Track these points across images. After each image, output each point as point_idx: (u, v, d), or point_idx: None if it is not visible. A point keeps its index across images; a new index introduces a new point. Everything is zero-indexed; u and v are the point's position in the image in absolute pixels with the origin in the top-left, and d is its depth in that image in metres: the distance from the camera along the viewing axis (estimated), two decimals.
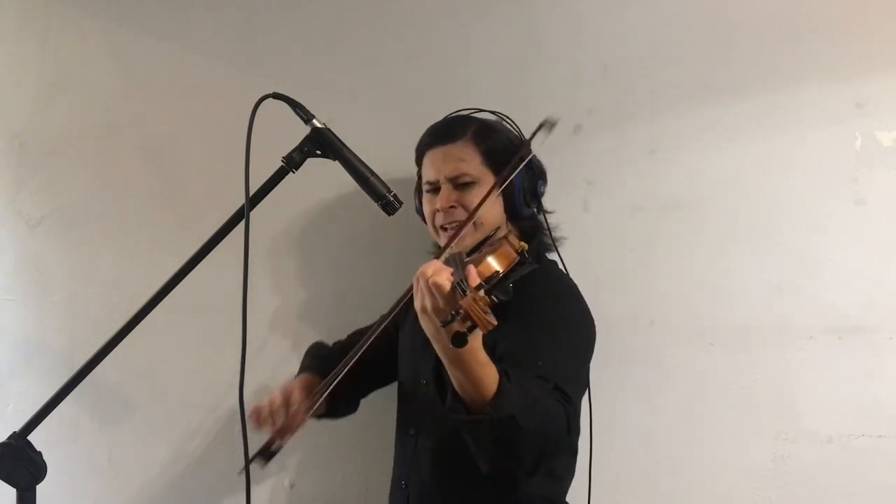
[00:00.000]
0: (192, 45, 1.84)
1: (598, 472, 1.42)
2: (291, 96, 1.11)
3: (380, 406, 1.56)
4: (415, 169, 1.47)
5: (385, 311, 1.52)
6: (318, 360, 1.48)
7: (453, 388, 1.05)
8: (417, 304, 1.01)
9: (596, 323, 1.33)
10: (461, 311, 0.89)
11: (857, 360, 1.50)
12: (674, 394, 1.57)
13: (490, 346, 1.05)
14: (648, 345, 1.58)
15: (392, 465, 1.44)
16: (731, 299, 1.55)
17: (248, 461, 1.07)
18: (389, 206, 1.11)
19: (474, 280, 0.96)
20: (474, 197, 1.31)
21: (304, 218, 1.77)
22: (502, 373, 1.04)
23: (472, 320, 0.89)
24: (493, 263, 1.11)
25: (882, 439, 1.48)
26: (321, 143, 1.11)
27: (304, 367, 1.49)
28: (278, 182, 1.11)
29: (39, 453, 1.10)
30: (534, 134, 1.23)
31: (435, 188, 1.36)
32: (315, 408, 1.30)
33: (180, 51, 1.85)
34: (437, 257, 1.23)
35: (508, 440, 1.02)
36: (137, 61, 1.88)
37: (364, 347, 1.24)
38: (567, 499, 1.35)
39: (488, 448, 1.05)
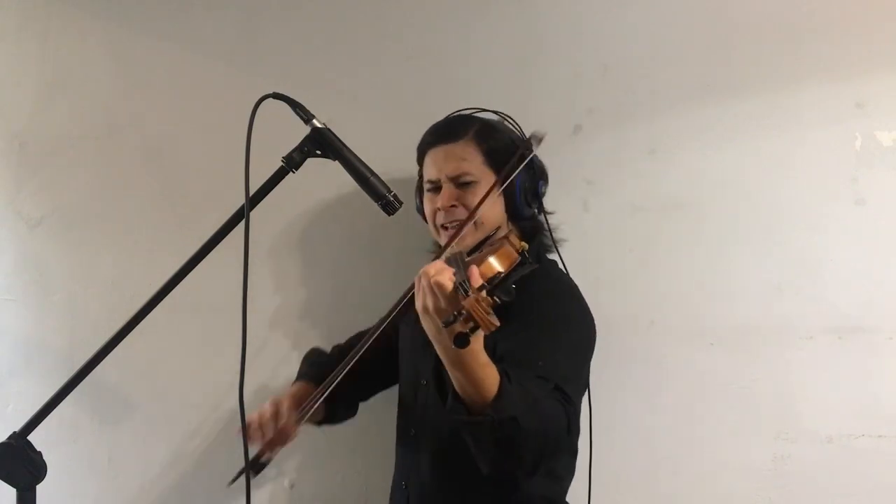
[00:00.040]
0: (192, 45, 1.84)
1: (598, 472, 1.42)
2: (291, 96, 1.11)
3: (380, 407, 1.57)
4: (415, 169, 1.47)
5: (385, 311, 1.53)
6: (315, 366, 1.48)
7: (454, 390, 1.04)
8: (419, 305, 1.00)
9: (596, 323, 1.33)
10: (463, 311, 0.89)
11: (857, 360, 1.50)
12: (674, 394, 1.57)
13: (490, 346, 1.05)
14: (648, 345, 1.58)
15: (392, 465, 1.44)
16: (731, 299, 1.55)
17: (247, 462, 1.07)
18: (389, 206, 1.11)
19: (477, 280, 0.95)
20: (475, 196, 1.31)
21: (304, 218, 1.77)
22: (503, 374, 1.03)
23: (475, 321, 0.88)
24: (495, 264, 1.10)
25: (882, 439, 1.48)
26: (321, 143, 1.11)
27: (300, 374, 1.50)
28: (278, 182, 1.11)
29: (39, 453, 1.10)
30: (527, 144, 1.24)
31: (436, 187, 1.36)
32: (307, 417, 1.31)
33: (180, 51, 1.85)
34: (438, 256, 1.23)
35: (509, 441, 1.02)
36: (137, 61, 1.87)
37: (361, 353, 1.24)
38: (567, 499, 1.35)
39: (489, 449, 1.05)
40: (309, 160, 1.12)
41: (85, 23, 1.90)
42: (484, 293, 0.90)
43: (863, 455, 1.49)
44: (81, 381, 1.10)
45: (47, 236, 1.90)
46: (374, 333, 1.23)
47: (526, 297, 1.13)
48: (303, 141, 1.11)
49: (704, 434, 1.56)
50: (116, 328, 1.11)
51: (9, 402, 1.88)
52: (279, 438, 1.28)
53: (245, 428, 1.06)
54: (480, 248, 1.31)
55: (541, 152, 1.41)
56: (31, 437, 1.09)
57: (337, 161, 1.12)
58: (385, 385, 1.53)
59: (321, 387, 1.31)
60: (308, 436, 1.67)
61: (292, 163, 1.11)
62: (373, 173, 1.12)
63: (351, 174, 1.12)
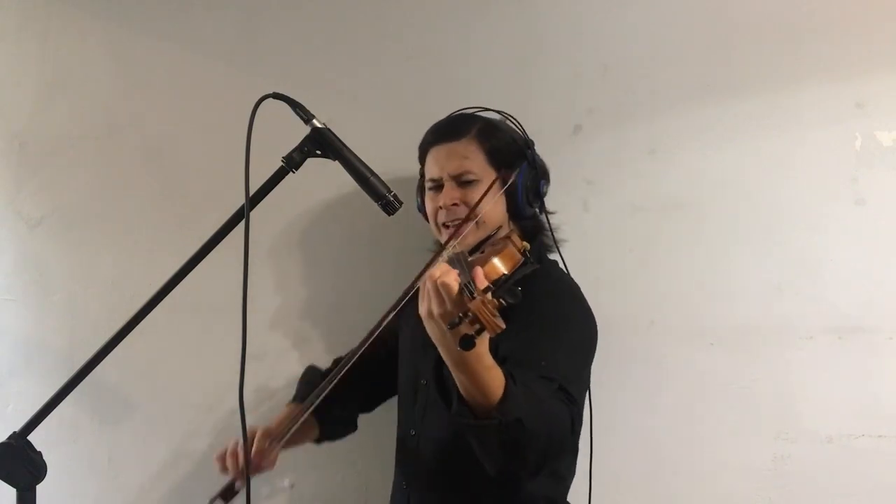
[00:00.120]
0: (192, 45, 1.84)
1: (598, 472, 1.42)
2: (291, 96, 1.11)
3: (380, 407, 1.57)
4: (415, 169, 1.47)
5: (384, 313, 1.53)
6: (307, 385, 1.48)
7: (459, 393, 1.03)
8: (423, 309, 0.99)
9: (596, 323, 1.33)
10: (469, 313, 0.88)
11: (857, 360, 1.50)
12: (674, 394, 1.57)
13: (492, 347, 1.04)
14: (648, 345, 1.58)
15: (392, 465, 1.44)
16: (731, 299, 1.55)
17: (247, 461, 1.07)
18: (389, 206, 1.11)
19: (482, 282, 0.95)
20: (477, 195, 1.31)
21: (304, 218, 1.77)
22: (508, 376, 1.03)
23: (481, 323, 0.87)
24: (499, 265, 1.10)
25: (882, 439, 1.48)
26: (321, 143, 1.11)
27: (295, 395, 1.50)
28: (278, 182, 1.11)
29: (39, 453, 1.10)
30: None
31: (438, 185, 1.36)
32: (286, 440, 1.33)
33: (180, 51, 1.85)
34: (438, 254, 1.23)
35: (514, 443, 1.01)
36: (137, 61, 1.88)
37: (346, 368, 1.23)
38: (568, 498, 1.35)
39: (495, 451, 1.04)
40: (309, 160, 1.12)
41: (85, 23, 1.90)
42: (489, 295, 0.89)
43: (863, 455, 1.49)
44: (81, 381, 1.10)
45: (47, 236, 1.90)
46: (364, 344, 1.22)
47: (527, 297, 1.12)
48: (303, 141, 1.11)
49: (704, 434, 1.56)
50: (116, 328, 1.11)
51: (9, 402, 1.88)
52: (253, 467, 1.30)
53: (245, 428, 1.05)
54: (482, 248, 1.31)
55: (541, 152, 1.41)
56: (31, 437, 1.09)
57: (337, 161, 1.12)
58: (392, 393, 1.51)
59: (303, 406, 1.33)
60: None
61: (292, 163, 1.11)
62: (373, 173, 1.12)
63: (351, 174, 1.12)
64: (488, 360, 1.00)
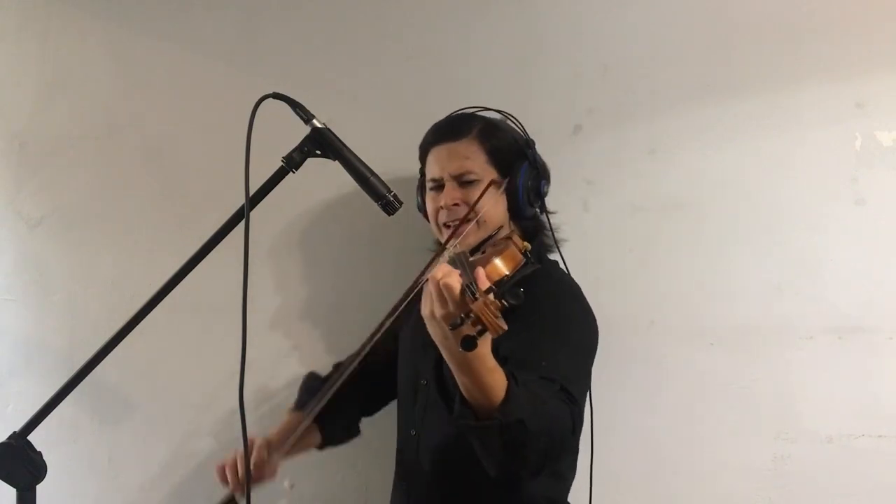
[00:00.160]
0: (192, 45, 1.84)
1: (599, 472, 1.42)
2: (291, 96, 1.11)
3: None
4: (415, 169, 1.47)
5: (384, 313, 1.53)
6: (308, 393, 1.48)
7: (461, 394, 1.03)
8: (426, 310, 0.98)
9: (597, 323, 1.33)
10: (471, 314, 0.87)
11: (857, 360, 1.50)
12: (674, 394, 1.57)
13: (493, 347, 1.04)
14: (648, 345, 1.58)
15: (392, 465, 1.44)
16: (731, 299, 1.55)
17: (247, 461, 1.07)
18: (389, 206, 1.11)
19: (484, 283, 0.94)
20: (478, 194, 1.31)
21: (304, 218, 1.77)
22: (510, 377, 1.02)
23: (483, 324, 0.87)
24: (501, 266, 1.09)
25: (882, 439, 1.48)
26: (321, 143, 1.11)
27: (296, 402, 1.50)
28: (278, 182, 1.11)
29: (39, 453, 1.10)
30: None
31: (439, 185, 1.36)
32: (286, 449, 1.35)
33: (180, 51, 1.85)
34: (438, 254, 1.23)
35: (516, 444, 1.01)
36: (137, 61, 1.88)
37: (346, 376, 1.23)
38: (568, 498, 1.35)
39: (497, 452, 1.04)
40: (309, 160, 1.12)
41: (85, 23, 1.90)
42: (491, 296, 0.89)
43: (863, 455, 1.49)
44: (81, 381, 1.10)
45: (47, 236, 1.90)
46: (365, 349, 1.22)
47: (528, 297, 1.12)
48: (303, 141, 1.11)
49: (704, 434, 1.56)
50: (116, 328, 1.11)
51: (9, 402, 1.88)
52: (254, 477, 1.31)
53: (245, 428, 1.05)
54: (483, 248, 1.31)
55: (541, 152, 1.41)
56: (31, 437, 1.09)
57: (337, 161, 1.12)
58: (394, 395, 1.51)
59: (304, 413, 1.33)
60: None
61: (292, 163, 1.11)
62: (373, 173, 1.11)
63: (351, 174, 1.12)
64: (491, 361, 0.99)
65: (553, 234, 1.43)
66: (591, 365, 1.31)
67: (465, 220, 1.30)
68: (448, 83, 1.69)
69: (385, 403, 1.56)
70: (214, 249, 1.12)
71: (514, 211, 1.36)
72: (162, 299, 1.11)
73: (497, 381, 1.00)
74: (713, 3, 1.59)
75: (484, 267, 1.01)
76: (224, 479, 1.32)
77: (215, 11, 1.83)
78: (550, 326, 1.22)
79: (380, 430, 1.55)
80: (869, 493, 1.48)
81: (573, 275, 1.40)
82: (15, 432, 1.09)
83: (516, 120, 1.42)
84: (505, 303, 0.89)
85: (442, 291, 0.93)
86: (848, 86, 1.52)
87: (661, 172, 1.60)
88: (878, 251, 1.50)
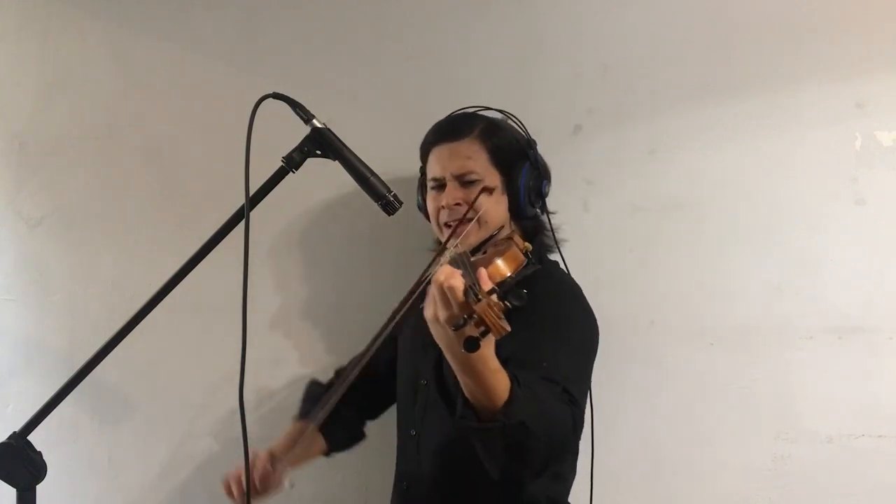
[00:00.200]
0: (192, 45, 1.84)
1: (599, 472, 1.42)
2: (291, 96, 1.11)
3: None
4: (415, 169, 1.47)
5: (385, 314, 1.53)
6: (311, 402, 1.48)
7: (463, 395, 1.03)
8: (429, 313, 0.97)
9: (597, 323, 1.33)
10: (474, 315, 0.87)
11: (857, 360, 1.50)
12: (674, 394, 1.57)
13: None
14: (648, 345, 1.58)
15: (392, 465, 1.44)
16: (731, 299, 1.55)
17: (247, 461, 1.07)
18: (389, 206, 1.11)
19: (487, 284, 0.93)
20: (482, 191, 1.31)
21: (304, 218, 1.77)
22: (513, 379, 1.02)
23: (486, 325, 0.86)
24: (503, 266, 1.09)
25: (882, 439, 1.48)
26: (321, 143, 1.11)
27: (299, 412, 1.50)
28: (278, 182, 1.11)
29: (39, 453, 1.10)
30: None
31: (440, 185, 1.36)
32: (291, 460, 1.36)
33: (180, 51, 1.85)
34: (439, 254, 1.22)
35: (519, 445, 1.01)
36: (137, 61, 1.88)
37: (349, 382, 1.22)
38: (568, 499, 1.35)
39: (499, 454, 1.04)
40: (309, 160, 1.12)
41: (85, 23, 1.90)
42: (495, 297, 0.89)
43: (863, 455, 1.49)
44: (81, 381, 1.10)
45: (47, 236, 1.90)
46: (367, 355, 1.21)
47: (529, 297, 1.13)
48: (303, 141, 1.11)
49: (704, 434, 1.56)
50: (116, 328, 1.11)
51: (9, 402, 1.88)
52: (260, 490, 1.32)
53: (245, 428, 1.05)
54: (484, 248, 1.30)
55: (541, 152, 1.41)
56: (31, 437, 1.09)
57: (337, 161, 1.12)
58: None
59: (307, 422, 1.34)
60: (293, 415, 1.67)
61: (292, 163, 1.11)
62: (373, 173, 1.12)
63: (351, 174, 1.12)
64: (494, 363, 0.99)
65: (554, 234, 1.43)
66: (592, 366, 1.31)
67: (465, 219, 1.30)
68: (448, 83, 1.69)
69: (388, 406, 1.55)
70: (214, 249, 1.12)
71: (515, 211, 1.36)
72: (162, 299, 1.11)
73: (500, 382, 1.00)
74: (713, 3, 1.59)
75: (486, 267, 1.00)
76: (230, 493, 1.32)
77: (215, 11, 1.83)
78: (551, 327, 1.22)
79: (380, 430, 1.55)
80: (869, 493, 1.48)
81: (573, 275, 1.40)
82: (15, 432, 1.09)
83: (518, 120, 1.42)
84: (508, 304, 0.89)
85: (445, 294, 0.93)
86: (848, 86, 1.52)
87: (661, 172, 1.60)
88: (878, 251, 1.50)
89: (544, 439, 1.03)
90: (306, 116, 1.11)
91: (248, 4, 1.82)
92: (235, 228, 1.11)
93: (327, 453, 1.49)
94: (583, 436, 1.31)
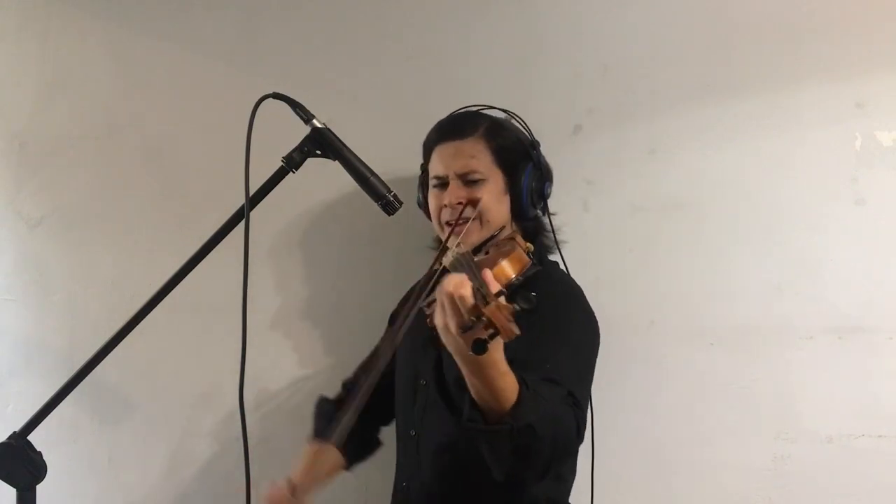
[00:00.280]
0: (192, 45, 1.84)
1: (599, 472, 1.42)
2: (291, 96, 1.11)
3: None
4: (415, 169, 1.47)
5: (383, 315, 1.53)
6: (323, 419, 1.48)
7: (470, 397, 1.02)
8: (439, 321, 0.96)
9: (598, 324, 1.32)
10: (484, 318, 0.86)
11: (857, 360, 1.50)
12: (674, 394, 1.57)
13: None
14: (648, 345, 1.58)
15: (392, 466, 1.44)
16: (731, 299, 1.55)
17: (247, 461, 1.07)
18: (389, 206, 1.11)
19: (495, 286, 0.93)
20: (482, 194, 1.31)
21: (304, 218, 1.77)
22: (521, 381, 1.01)
23: (496, 328, 0.86)
24: (508, 268, 1.08)
25: (882, 439, 1.48)
26: (321, 143, 1.11)
27: (314, 431, 1.50)
28: (278, 182, 1.11)
29: (39, 453, 1.10)
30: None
31: (443, 183, 1.35)
32: (314, 489, 1.38)
33: (180, 51, 1.85)
34: (441, 254, 1.22)
35: (526, 448, 1.00)
36: (137, 61, 1.88)
37: (361, 401, 1.21)
38: (569, 499, 1.35)
39: (506, 457, 1.03)
40: (309, 160, 1.12)
41: (85, 23, 1.90)
42: (503, 300, 0.88)
43: (863, 455, 1.49)
44: (81, 381, 1.10)
45: (47, 236, 1.90)
46: (375, 372, 1.20)
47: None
48: (303, 141, 1.11)
49: (704, 434, 1.56)
50: (116, 328, 1.11)
51: (9, 402, 1.88)
52: None
53: (245, 428, 1.05)
54: (485, 248, 1.30)
55: (541, 152, 1.41)
56: (31, 437, 1.09)
57: (337, 161, 1.12)
58: None
59: (328, 445, 1.36)
60: (307, 436, 1.67)
61: (292, 163, 1.11)
62: (373, 173, 1.12)
63: (351, 174, 1.12)
64: (503, 365, 0.98)
65: (554, 234, 1.42)
66: (594, 367, 1.30)
67: (464, 219, 1.30)
68: (448, 83, 1.69)
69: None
70: (214, 249, 1.12)
71: (517, 212, 1.36)
72: (162, 299, 1.12)
73: (508, 384, 0.99)
74: (713, 3, 1.59)
75: (491, 268, 0.99)
76: None
77: (215, 11, 1.83)
78: (552, 328, 1.21)
79: (380, 430, 1.54)
80: (869, 493, 1.48)
81: (573, 275, 1.40)
82: (15, 432, 1.09)
83: (521, 120, 1.42)
84: (517, 307, 0.88)
85: (455, 303, 0.91)
86: (848, 86, 1.52)
87: (661, 172, 1.60)
88: (878, 251, 1.50)
89: (549, 442, 1.03)
90: (306, 116, 1.11)
91: (248, 4, 1.82)
92: (235, 228, 1.11)
93: (347, 467, 1.49)
94: None
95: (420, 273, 1.53)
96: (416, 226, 1.52)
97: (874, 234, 1.50)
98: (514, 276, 1.06)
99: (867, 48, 1.51)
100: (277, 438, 1.73)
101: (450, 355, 0.99)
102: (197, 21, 1.84)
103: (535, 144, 1.38)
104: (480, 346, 0.87)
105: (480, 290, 0.89)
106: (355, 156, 1.12)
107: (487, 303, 0.87)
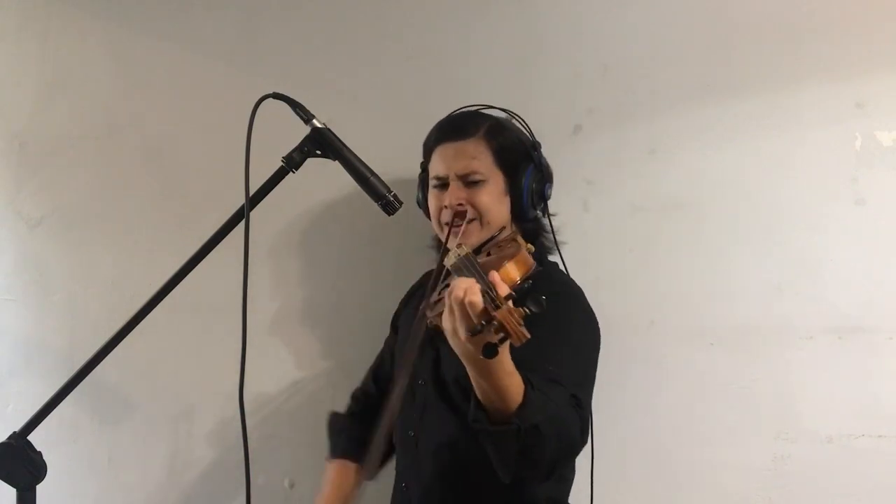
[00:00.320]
0: (192, 45, 1.84)
1: (599, 472, 1.42)
2: (291, 96, 1.11)
3: None
4: (415, 169, 1.47)
5: (383, 315, 1.53)
6: (340, 435, 1.51)
7: (476, 398, 1.02)
8: (448, 326, 0.95)
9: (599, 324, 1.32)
10: (494, 321, 0.85)
11: (857, 360, 1.50)
12: (674, 394, 1.57)
13: None
14: (648, 345, 1.58)
15: (392, 466, 1.44)
16: (731, 299, 1.55)
17: (247, 461, 1.07)
18: (389, 206, 1.11)
19: (504, 290, 0.92)
20: (483, 195, 1.31)
21: (304, 218, 1.77)
22: (527, 382, 1.01)
23: (507, 332, 0.85)
24: (514, 271, 1.08)
25: (882, 439, 1.48)
26: (321, 143, 1.11)
27: (336, 449, 1.51)
28: (278, 182, 1.11)
29: (39, 453, 1.10)
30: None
31: (443, 184, 1.35)
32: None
33: (180, 51, 1.85)
34: (443, 255, 1.21)
35: (532, 449, 1.00)
36: (137, 61, 1.88)
37: (387, 422, 1.19)
38: (569, 499, 1.35)
39: (512, 457, 1.02)
40: (309, 160, 1.12)
41: (85, 23, 1.90)
42: (510, 303, 0.87)
43: (863, 455, 1.49)
44: (81, 381, 1.10)
45: (47, 236, 1.90)
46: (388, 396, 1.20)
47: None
48: (303, 141, 1.11)
49: (704, 434, 1.56)
50: (116, 328, 1.11)
51: (9, 402, 1.88)
52: None
53: (245, 428, 1.05)
54: (486, 249, 1.30)
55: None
56: (31, 437, 1.10)
57: (337, 161, 1.12)
58: None
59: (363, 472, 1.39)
60: (308, 436, 1.68)
61: (292, 163, 1.11)
62: (373, 173, 1.12)
63: (351, 174, 1.12)
64: (510, 365, 0.98)
65: (554, 235, 1.42)
66: (596, 368, 1.30)
67: (462, 218, 1.29)
68: (448, 83, 1.69)
69: None
70: (214, 249, 1.12)
71: (517, 213, 1.36)
72: (162, 299, 1.12)
73: (515, 384, 0.99)
74: (713, 3, 1.58)
75: (496, 271, 0.99)
76: None
77: (215, 11, 1.83)
78: (554, 329, 1.20)
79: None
80: (869, 493, 1.48)
81: (573, 275, 1.40)
82: (15, 432, 1.09)
83: (522, 120, 1.42)
84: (527, 310, 0.87)
85: (466, 309, 0.90)
86: (848, 86, 1.52)
87: (661, 172, 1.60)
88: (878, 251, 1.50)
89: (555, 443, 1.02)
90: (306, 116, 1.11)
91: (248, 4, 1.82)
92: (235, 228, 1.11)
93: (369, 478, 1.48)
94: None
95: (420, 273, 1.54)
96: (416, 226, 1.52)
97: (874, 234, 1.50)
98: (519, 278, 1.05)
99: (867, 48, 1.51)
100: (277, 438, 1.73)
101: (448, 355, 0.99)
102: (197, 21, 1.84)
103: (536, 145, 1.38)
104: (491, 351, 0.87)
105: (489, 293, 0.88)
106: (355, 156, 1.12)
107: (498, 307, 0.86)
